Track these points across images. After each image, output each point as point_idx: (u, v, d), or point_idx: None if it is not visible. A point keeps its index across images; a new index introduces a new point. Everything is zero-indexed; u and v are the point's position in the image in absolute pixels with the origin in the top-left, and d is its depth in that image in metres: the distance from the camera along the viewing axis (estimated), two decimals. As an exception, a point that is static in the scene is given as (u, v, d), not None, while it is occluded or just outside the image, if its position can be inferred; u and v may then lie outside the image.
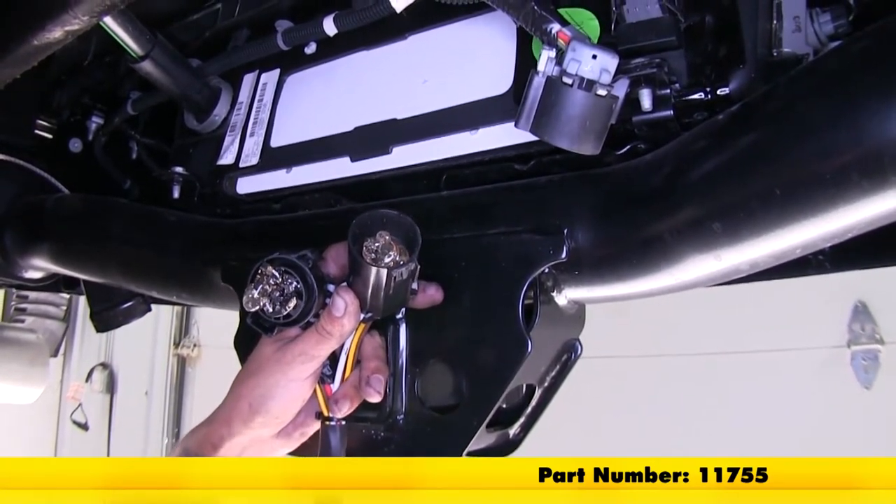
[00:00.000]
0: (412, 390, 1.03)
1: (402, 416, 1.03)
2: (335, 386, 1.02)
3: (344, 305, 0.96)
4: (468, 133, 1.09)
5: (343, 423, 1.01)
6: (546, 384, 1.09)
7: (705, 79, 0.95)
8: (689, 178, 0.84)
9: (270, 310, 0.97)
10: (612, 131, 0.91)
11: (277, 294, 0.97)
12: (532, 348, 0.93)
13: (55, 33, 1.11)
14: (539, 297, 0.97)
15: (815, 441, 2.91)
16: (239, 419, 1.02)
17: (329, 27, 1.26)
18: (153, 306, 1.86)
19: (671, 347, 3.19)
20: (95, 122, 1.82)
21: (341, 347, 1.01)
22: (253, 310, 0.97)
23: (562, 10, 1.01)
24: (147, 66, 1.33)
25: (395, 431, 1.03)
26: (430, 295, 1.01)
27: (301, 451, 1.10)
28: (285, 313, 0.97)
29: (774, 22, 1.02)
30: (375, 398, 1.00)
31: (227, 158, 1.39)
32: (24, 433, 5.30)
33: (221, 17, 1.50)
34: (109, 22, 1.24)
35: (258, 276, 0.98)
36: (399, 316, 1.03)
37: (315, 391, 1.02)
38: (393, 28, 1.22)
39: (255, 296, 0.97)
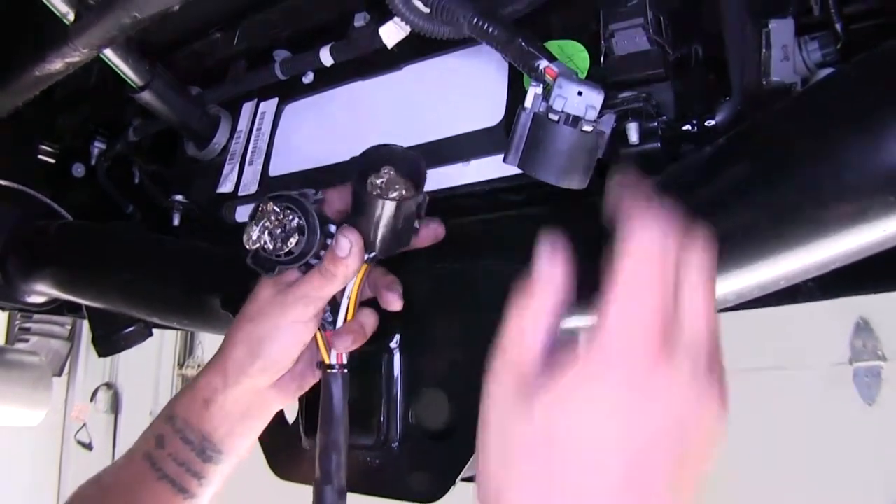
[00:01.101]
0: (406, 418, 1.04)
1: (396, 444, 1.04)
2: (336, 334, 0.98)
3: (349, 245, 0.92)
4: (461, 165, 1.10)
5: (345, 371, 0.97)
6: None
7: (693, 110, 0.96)
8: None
9: (271, 247, 0.94)
10: (601, 163, 0.93)
11: (279, 231, 0.94)
12: (524, 376, 0.94)
13: (56, 65, 1.13)
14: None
15: (820, 458, 2.92)
16: (236, 366, 0.98)
17: (325, 57, 1.28)
18: (157, 327, 1.86)
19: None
20: (98, 147, 1.82)
21: (342, 291, 0.98)
22: (253, 248, 0.95)
23: (553, 42, 1.03)
24: (146, 97, 1.35)
25: (390, 458, 1.04)
26: (434, 229, 1.00)
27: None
28: (287, 250, 0.94)
29: (763, 51, 1.04)
30: (397, 304, 0.98)
31: (226, 186, 1.40)
32: (28, 453, 5.31)
33: (221, 47, 1.52)
34: (109, 53, 1.26)
35: (259, 213, 0.95)
36: (393, 345, 1.05)
37: (316, 338, 0.99)
38: (388, 58, 1.23)
39: (256, 233, 0.94)
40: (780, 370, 3.06)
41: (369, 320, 1.00)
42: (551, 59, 0.86)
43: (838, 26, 1.02)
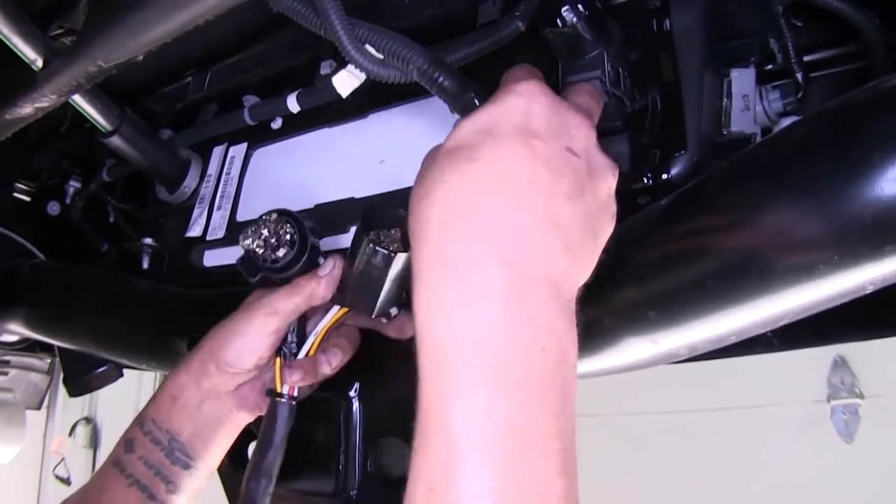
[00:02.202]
0: (365, 465, 1.05)
1: (355, 492, 1.04)
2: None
3: (330, 267, 0.96)
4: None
5: (293, 403, 0.99)
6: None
7: (649, 163, 0.97)
8: (626, 264, 0.86)
9: (260, 252, 0.97)
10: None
11: (273, 240, 0.97)
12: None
13: (26, 109, 1.14)
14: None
15: (798, 497, 2.91)
16: (198, 364, 1.02)
17: (292, 104, 1.30)
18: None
19: (646, 405, 3.18)
20: (73, 185, 1.83)
21: (314, 325, 1.00)
22: (244, 249, 0.98)
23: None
24: (116, 141, 1.36)
25: (348, 507, 1.05)
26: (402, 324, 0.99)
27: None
28: (272, 258, 0.97)
29: (725, 100, 1.05)
30: (326, 369, 0.99)
31: (195, 231, 1.41)
32: (5, 486, 5.25)
33: (191, 91, 1.53)
34: (77, 99, 1.27)
35: (259, 221, 0.98)
36: (352, 393, 1.06)
37: (275, 364, 1.00)
38: (354, 106, 1.24)
39: (250, 235, 0.98)
40: (757, 408, 3.05)
41: (326, 366, 1.00)
42: None
43: (799, 75, 1.04)
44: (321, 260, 0.99)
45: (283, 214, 0.99)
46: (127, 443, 1.03)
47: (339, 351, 1.01)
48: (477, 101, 0.86)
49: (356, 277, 0.93)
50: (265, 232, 0.98)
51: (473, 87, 0.88)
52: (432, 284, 0.69)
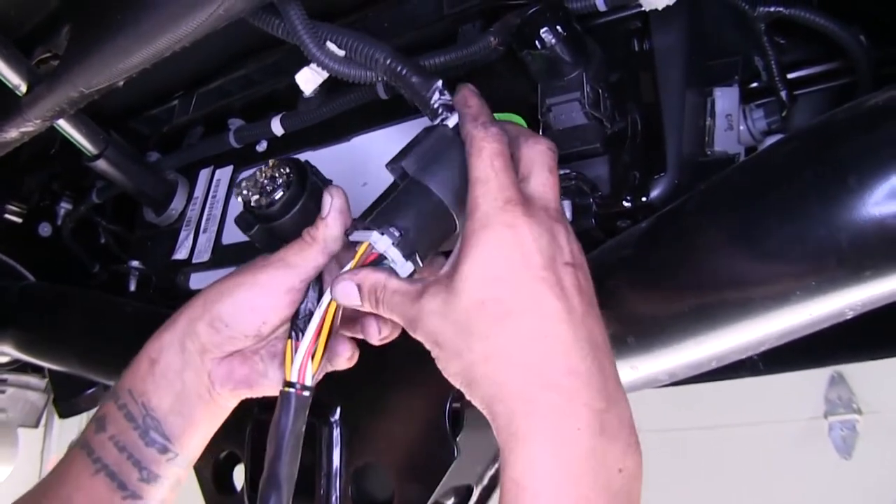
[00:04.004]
0: (346, 491, 1.04)
1: (336, 519, 1.04)
2: (303, 343, 0.80)
3: (329, 201, 0.81)
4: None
5: (307, 394, 0.80)
6: (485, 483, 1.08)
7: (629, 185, 0.96)
8: (604, 289, 0.85)
9: (253, 201, 0.91)
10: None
11: (269, 187, 0.91)
12: (459, 453, 0.94)
13: (11, 134, 1.14)
14: (465, 403, 0.97)
15: (797, 515, 2.90)
16: (185, 320, 0.86)
17: (276, 127, 1.30)
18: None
19: (643, 422, 3.16)
20: (64, 207, 1.83)
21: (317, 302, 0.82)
22: (240, 200, 0.92)
23: (496, 115, 1.03)
24: (101, 165, 1.36)
25: (329, 533, 1.04)
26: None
27: None
28: (267, 202, 0.90)
29: (708, 120, 1.04)
30: (344, 364, 0.85)
31: (181, 253, 1.40)
32: (3, 506, 5.24)
33: (178, 114, 1.53)
34: (62, 123, 1.27)
35: (258, 171, 0.92)
36: (333, 419, 1.05)
37: (286, 347, 0.81)
38: (338, 129, 1.24)
39: (244, 185, 0.92)
40: (754, 425, 3.04)
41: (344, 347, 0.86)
42: None
43: (783, 93, 1.03)
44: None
45: (282, 160, 0.92)
46: (98, 420, 0.86)
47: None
48: (442, 92, 0.85)
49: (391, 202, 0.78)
50: (261, 178, 0.91)
51: (437, 80, 0.87)
52: (530, 438, 0.70)
